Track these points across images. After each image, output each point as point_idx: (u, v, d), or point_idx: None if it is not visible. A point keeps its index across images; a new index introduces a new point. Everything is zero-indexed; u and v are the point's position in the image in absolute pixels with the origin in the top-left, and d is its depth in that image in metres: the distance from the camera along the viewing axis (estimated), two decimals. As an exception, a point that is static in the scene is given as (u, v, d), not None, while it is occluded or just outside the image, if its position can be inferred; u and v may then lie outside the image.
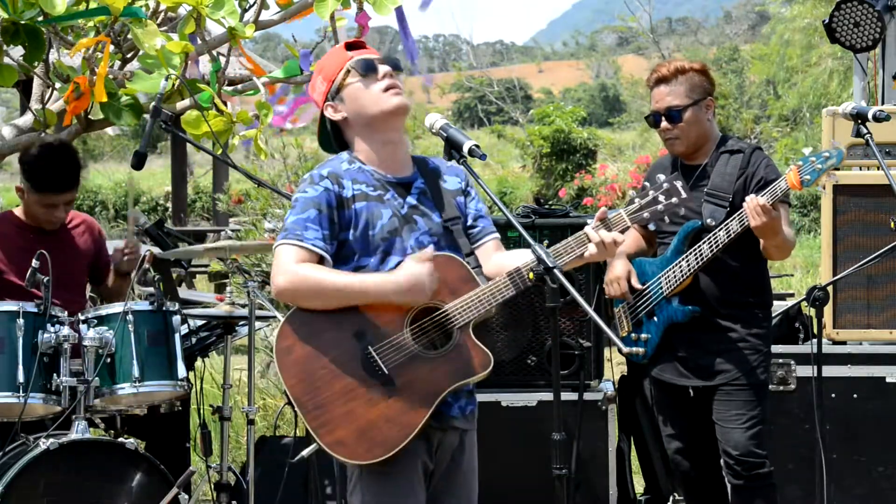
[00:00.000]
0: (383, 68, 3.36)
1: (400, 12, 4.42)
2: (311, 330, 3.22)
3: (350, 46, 3.42)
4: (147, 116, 4.22)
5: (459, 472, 3.38)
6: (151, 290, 4.82)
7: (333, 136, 3.46)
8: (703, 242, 4.44)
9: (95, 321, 4.66)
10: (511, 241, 5.06)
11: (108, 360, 4.61)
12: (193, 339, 5.43)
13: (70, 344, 4.55)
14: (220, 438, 5.08)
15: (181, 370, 4.72)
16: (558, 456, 3.16)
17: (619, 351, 3.16)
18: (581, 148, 18.86)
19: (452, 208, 3.42)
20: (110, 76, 4.28)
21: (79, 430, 4.50)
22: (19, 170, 5.02)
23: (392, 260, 3.29)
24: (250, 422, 5.11)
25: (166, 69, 4.14)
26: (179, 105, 4.45)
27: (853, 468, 5.16)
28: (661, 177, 3.39)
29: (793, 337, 5.62)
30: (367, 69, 3.35)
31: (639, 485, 5.72)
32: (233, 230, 11.66)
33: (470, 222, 3.46)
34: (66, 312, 4.63)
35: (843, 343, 5.35)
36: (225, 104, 4.34)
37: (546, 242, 4.54)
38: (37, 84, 4.75)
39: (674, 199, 3.36)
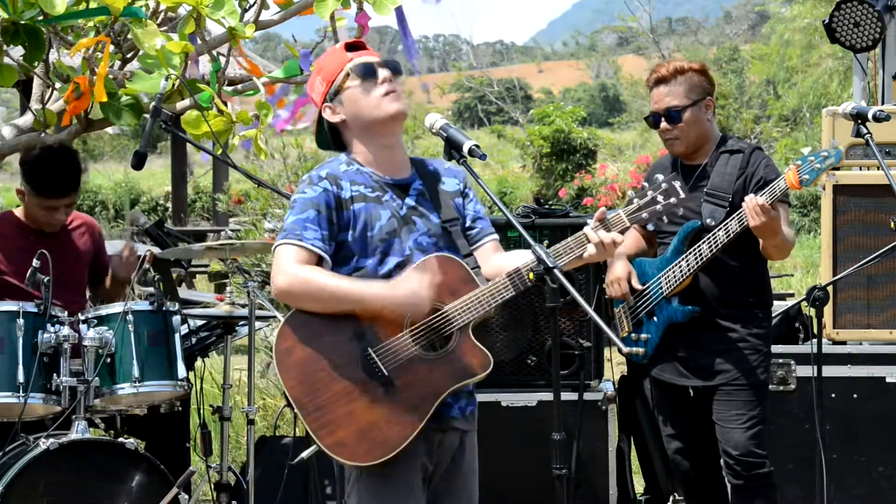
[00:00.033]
0: (383, 73, 3.35)
1: (400, 12, 4.42)
2: (311, 331, 3.22)
3: (350, 47, 3.42)
4: (147, 116, 4.22)
5: (460, 473, 3.38)
6: (151, 290, 4.82)
7: (331, 136, 3.46)
8: (703, 242, 4.44)
9: (95, 321, 4.66)
10: (511, 241, 5.07)
11: (108, 360, 4.61)
12: (193, 339, 5.43)
13: (70, 344, 4.55)
14: (220, 438, 5.08)
15: (181, 370, 4.72)
16: (558, 456, 3.16)
17: (619, 351, 3.16)
18: (581, 148, 18.86)
19: (451, 210, 3.42)
20: (110, 76, 4.28)
21: (79, 430, 4.50)
22: (20, 171, 5.03)
23: (390, 261, 3.29)
24: (250, 422, 5.11)
25: (166, 69, 4.14)
26: (179, 105, 4.45)
27: (853, 468, 5.16)
28: (660, 177, 3.39)
29: (793, 337, 5.62)
30: (367, 73, 3.35)
31: (639, 485, 5.72)
32: (233, 230, 11.67)
33: (468, 224, 3.46)
34: (66, 312, 4.63)
35: (843, 343, 5.35)
36: (225, 104, 4.34)
37: (546, 242, 4.54)
38: (37, 84, 4.74)
39: (672, 200, 3.36)
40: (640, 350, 4.58)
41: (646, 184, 3.42)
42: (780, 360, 5.18)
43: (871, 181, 5.27)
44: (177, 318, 4.76)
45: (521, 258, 3.31)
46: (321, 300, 3.22)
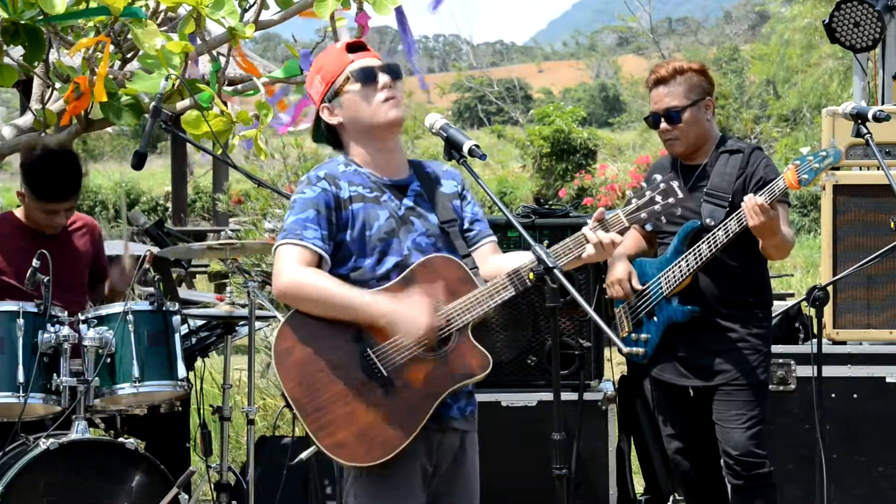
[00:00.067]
0: (383, 78, 3.35)
1: (400, 11, 4.42)
2: (310, 332, 3.22)
3: (351, 48, 3.41)
4: (147, 116, 4.22)
5: (460, 474, 3.38)
6: (151, 290, 4.82)
7: (328, 135, 3.46)
8: (703, 242, 4.44)
9: (95, 321, 4.66)
10: (511, 241, 5.07)
11: (108, 360, 4.61)
12: (193, 339, 5.43)
13: (70, 344, 4.55)
14: (220, 438, 5.08)
15: (181, 370, 4.72)
16: (558, 456, 3.16)
17: (619, 351, 3.16)
18: (581, 148, 18.87)
19: (449, 211, 3.42)
20: (110, 76, 4.28)
21: (79, 430, 4.50)
22: (20, 174, 5.03)
23: (389, 260, 3.29)
24: (250, 422, 5.11)
25: (166, 69, 4.14)
26: (179, 105, 4.45)
27: (853, 468, 5.16)
28: (658, 177, 3.39)
29: (793, 337, 5.62)
30: (367, 78, 3.34)
31: (639, 485, 5.72)
32: (233, 230, 11.66)
33: (466, 225, 3.46)
34: (66, 312, 4.63)
35: (843, 343, 5.35)
36: (225, 104, 4.34)
37: (546, 242, 4.54)
38: (37, 84, 4.74)
39: (671, 200, 3.36)
40: (640, 350, 4.58)
41: (644, 184, 3.43)
42: (780, 360, 5.18)
43: (871, 181, 5.27)
44: (177, 318, 4.76)
45: (519, 259, 3.31)
46: (321, 305, 3.21)
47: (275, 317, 5.25)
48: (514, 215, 4.16)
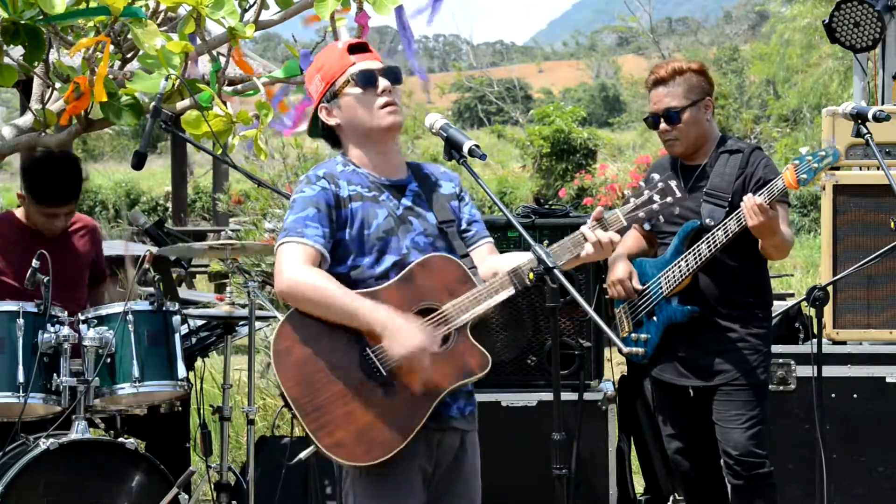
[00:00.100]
0: (383, 82, 3.35)
1: (400, 10, 4.42)
2: (310, 331, 3.22)
3: (353, 49, 3.41)
4: (147, 116, 4.22)
5: (461, 473, 3.38)
6: (151, 290, 4.82)
7: (326, 133, 3.46)
8: (702, 242, 4.44)
9: (95, 321, 4.66)
10: (511, 241, 5.07)
11: (108, 360, 4.61)
12: (193, 339, 5.43)
13: (70, 344, 4.55)
14: (220, 438, 5.07)
15: (181, 370, 4.72)
16: (558, 456, 3.16)
17: (619, 351, 3.16)
18: (581, 148, 18.87)
19: (447, 211, 3.42)
20: (110, 76, 4.28)
21: (79, 430, 4.50)
22: (21, 177, 5.03)
23: (387, 259, 3.29)
24: (250, 422, 5.11)
25: (166, 69, 4.14)
26: (179, 105, 4.45)
27: (853, 468, 5.16)
28: (656, 176, 3.40)
29: (793, 337, 5.62)
30: (367, 82, 3.34)
31: (639, 485, 5.72)
32: (233, 230, 11.66)
33: (464, 226, 3.46)
34: (66, 312, 4.63)
35: (843, 343, 5.35)
36: (225, 104, 4.34)
37: (546, 242, 4.52)
38: (37, 84, 4.74)
39: (669, 199, 3.36)
40: (640, 350, 4.58)
41: (642, 183, 3.43)
42: (780, 360, 5.18)
43: (871, 181, 5.27)
44: (177, 318, 4.76)
45: (517, 259, 3.32)
46: (321, 306, 3.21)
47: (275, 317, 5.25)
48: (514, 215, 4.16)
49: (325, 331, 3.22)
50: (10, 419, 4.54)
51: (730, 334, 4.49)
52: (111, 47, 4.19)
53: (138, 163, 4.21)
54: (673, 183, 3.37)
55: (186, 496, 4.72)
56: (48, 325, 4.53)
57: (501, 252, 3.52)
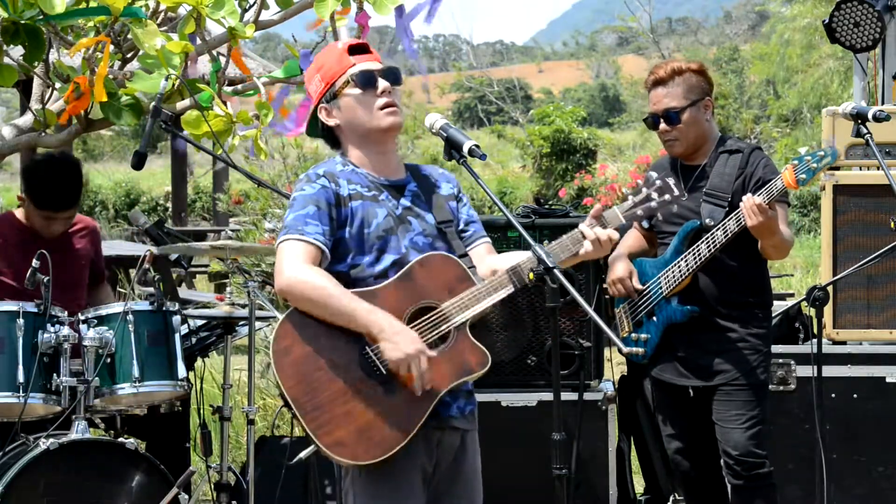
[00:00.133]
0: (382, 83, 3.35)
1: (400, 10, 4.42)
2: (309, 330, 3.22)
3: (353, 50, 3.41)
4: (147, 116, 4.22)
5: (462, 473, 3.38)
6: (151, 290, 4.82)
7: (324, 133, 3.46)
8: (702, 242, 4.44)
9: (95, 321, 4.66)
10: (511, 241, 5.07)
11: (108, 360, 4.61)
12: (193, 339, 5.43)
13: (70, 344, 4.55)
14: (220, 438, 5.07)
15: (181, 370, 4.72)
16: (558, 456, 3.16)
17: (619, 351, 3.16)
18: (581, 148, 18.86)
19: (446, 211, 3.43)
20: (110, 76, 4.28)
21: (79, 430, 4.50)
22: (21, 180, 5.03)
23: (386, 258, 3.30)
24: (250, 422, 5.11)
25: (166, 69, 4.14)
26: (179, 105, 4.45)
27: (853, 468, 5.16)
28: (654, 174, 3.41)
29: (793, 337, 5.62)
30: (367, 83, 3.35)
31: (639, 485, 5.72)
32: (233, 230, 11.67)
33: (462, 227, 3.47)
34: (66, 312, 4.63)
35: (843, 343, 5.35)
36: (225, 104, 4.34)
37: (546, 242, 4.54)
38: (37, 84, 4.74)
39: (667, 196, 3.37)
40: (640, 350, 4.58)
41: (640, 182, 3.43)
42: (780, 360, 5.18)
43: (871, 181, 5.27)
44: (177, 318, 4.76)
45: (515, 259, 3.32)
46: (320, 306, 3.20)
47: (275, 317, 5.25)
48: (514, 215, 4.16)
49: (325, 330, 3.22)
50: (10, 419, 4.54)
51: (730, 334, 4.49)
52: (111, 47, 4.20)
53: (138, 163, 4.21)
54: (671, 181, 3.38)
55: (186, 496, 4.72)
56: (48, 325, 4.53)
57: (501, 252, 3.53)
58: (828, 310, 5.13)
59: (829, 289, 4.70)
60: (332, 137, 3.46)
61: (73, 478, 4.47)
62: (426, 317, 3.26)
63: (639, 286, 4.61)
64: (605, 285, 4.77)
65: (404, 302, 3.25)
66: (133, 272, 5.26)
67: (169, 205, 21.14)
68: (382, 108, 3.34)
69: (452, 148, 3.34)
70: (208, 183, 22.13)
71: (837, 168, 5.33)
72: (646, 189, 3.37)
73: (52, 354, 4.54)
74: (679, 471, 4.74)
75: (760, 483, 4.49)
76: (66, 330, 4.55)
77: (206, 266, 12.18)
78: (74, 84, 4.18)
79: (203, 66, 4.46)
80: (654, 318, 4.57)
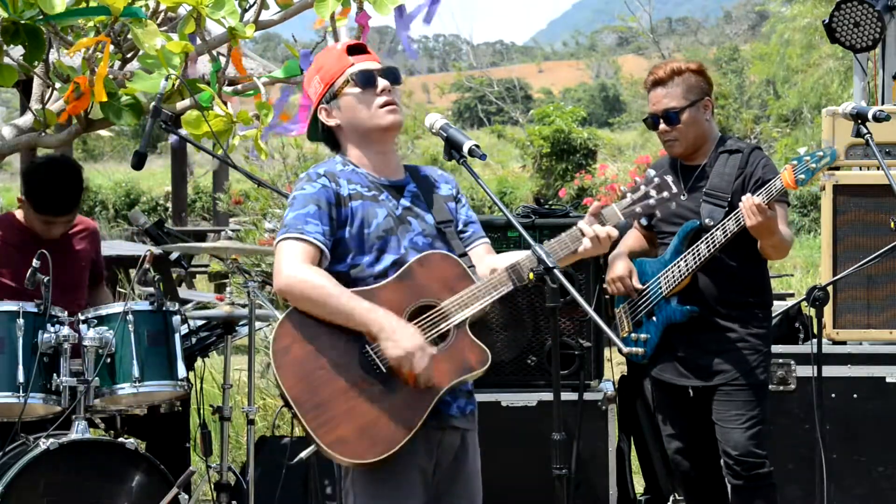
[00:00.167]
0: (382, 82, 3.36)
1: (400, 10, 4.42)
2: (308, 330, 3.22)
3: (351, 50, 3.41)
4: (147, 116, 4.22)
5: (462, 473, 3.38)
6: (151, 290, 4.82)
7: (325, 135, 3.46)
8: (701, 242, 4.44)
9: (95, 321, 4.66)
10: (511, 241, 5.07)
11: (108, 360, 4.61)
12: (193, 339, 5.43)
13: (70, 344, 4.55)
14: (220, 438, 5.08)
15: (181, 370, 4.72)
16: (558, 456, 3.16)
17: (619, 351, 3.17)
18: (581, 148, 18.86)
19: (445, 212, 3.43)
20: (110, 76, 4.28)
21: (79, 430, 4.50)
22: (21, 182, 5.03)
23: (386, 258, 3.30)
24: (250, 422, 5.11)
25: (166, 69, 4.14)
26: (179, 105, 4.45)
27: (853, 468, 5.16)
28: (652, 172, 3.41)
29: (793, 337, 5.62)
30: (367, 82, 3.35)
31: (639, 485, 5.72)
32: (233, 230, 11.66)
33: (461, 227, 3.48)
34: (66, 312, 4.63)
35: (843, 343, 5.35)
36: (225, 104, 4.34)
37: (546, 241, 4.54)
38: (37, 84, 4.74)
39: (665, 194, 3.37)
40: (640, 350, 4.58)
41: (638, 180, 3.44)
42: (780, 360, 5.18)
43: (871, 181, 5.27)
44: (177, 318, 4.76)
45: (514, 258, 3.33)
46: (319, 305, 3.20)
47: (275, 317, 5.24)
48: (514, 215, 4.16)
49: (325, 329, 3.22)
50: (10, 419, 4.54)
51: (729, 334, 4.49)
52: (111, 47, 4.20)
53: (138, 163, 4.21)
54: (669, 178, 3.38)
55: (186, 496, 4.73)
56: (48, 325, 4.53)
57: (500, 252, 3.53)
58: (828, 310, 5.13)
59: (829, 289, 4.70)
60: (332, 139, 3.46)
61: (73, 478, 4.47)
62: (425, 315, 3.26)
63: (638, 285, 4.61)
64: (604, 284, 4.77)
65: (403, 300, 3.25)
66: (133, 272, 5.24)
67: (169, 205, 21.13)
68: (382, 106, 3.35)
69: (452, 148, 3.34)
70: (208, 183, 22.14)
71: (837, 168, 5.33)
72: (644, 187, 3.38)
73: (52, 354, 4.54)
74: (679, 471, 4.74)
75: (760, 483, 4.49)
76: (66, 330, 4.55)
77: (206, 266, 12.18)
78: (74, 84, 4.18)
79: (203, 66, 4.46)
80: (654, 318, 4.58)
